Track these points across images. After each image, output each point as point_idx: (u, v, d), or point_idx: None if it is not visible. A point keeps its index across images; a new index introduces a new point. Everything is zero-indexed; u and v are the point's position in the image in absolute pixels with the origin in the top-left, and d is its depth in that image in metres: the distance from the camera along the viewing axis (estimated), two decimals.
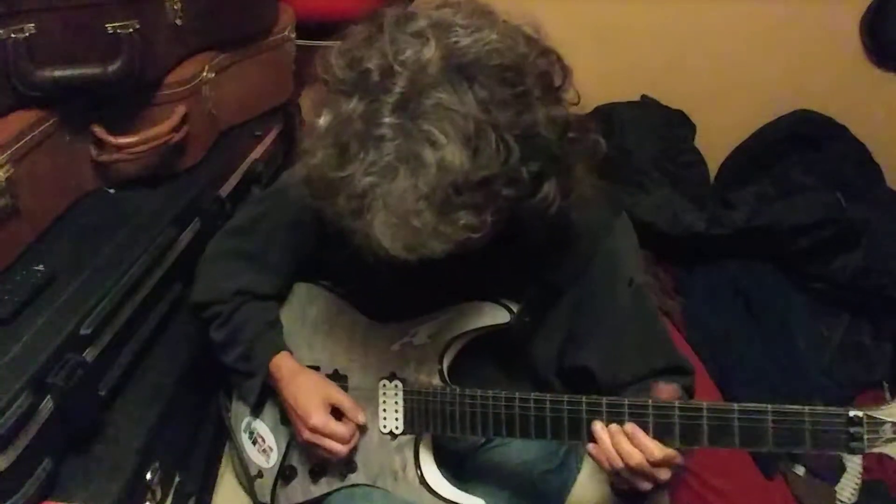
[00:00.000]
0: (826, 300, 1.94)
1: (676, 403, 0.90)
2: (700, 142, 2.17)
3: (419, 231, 0.77)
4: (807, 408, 0.85)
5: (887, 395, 1.88)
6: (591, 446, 0.95)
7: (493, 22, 0.81)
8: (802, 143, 2.09)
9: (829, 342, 1.88)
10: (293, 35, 1.74)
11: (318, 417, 1.08)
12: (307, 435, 1.10)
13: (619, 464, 0.91)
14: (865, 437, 0.83)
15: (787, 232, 1.89)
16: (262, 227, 1.17)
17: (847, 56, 2.11)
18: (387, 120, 0.76)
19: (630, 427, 0.91)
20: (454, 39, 0.77)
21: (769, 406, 0.86)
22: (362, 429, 1.12)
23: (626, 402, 0.92)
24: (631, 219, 1.08)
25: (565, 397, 0.96)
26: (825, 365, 1.83)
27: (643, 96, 2.18)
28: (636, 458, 0.90)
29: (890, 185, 2.11)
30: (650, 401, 0.91)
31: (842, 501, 1.66)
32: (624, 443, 0.91)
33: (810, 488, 1.64)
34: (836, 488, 1.67)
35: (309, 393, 1.10)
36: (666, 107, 2.16)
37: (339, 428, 1.09)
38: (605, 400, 0.94)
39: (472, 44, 0.77)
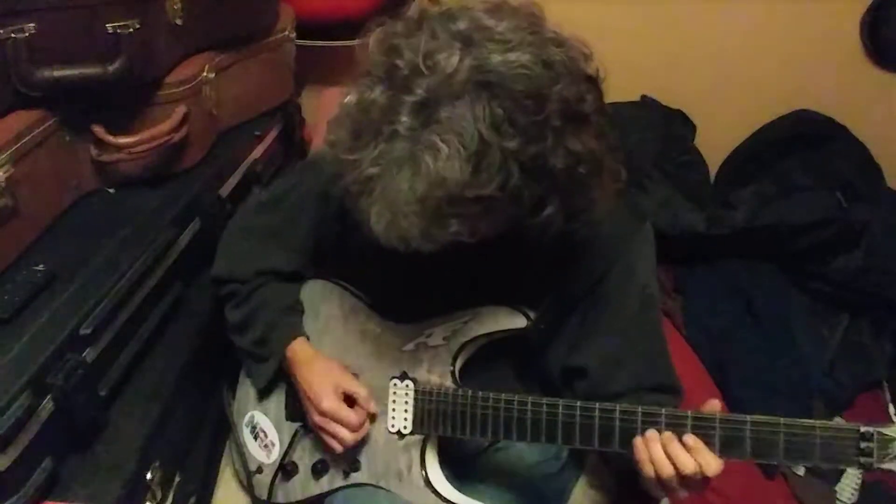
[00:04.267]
0: (826, 300, 1.94)
1: (689, 413, 0.91)
2: (700, 142, 2.17)
3: (407, 230, 0.79)
4: (818, 423, 0.86)
5: (887, 394, 1.88)
6: (639, 444, 0.93)
7: (535, 41, 0.79)
8: (802, 143, 2.09)
9: (829, 342, 1.88)
10: (293, 35, 1.74)
11: (330, 402, 1.08)
12: (317, 419, 1.10)
13: (670, 471, 0.90)
14: (875, 452, 0.84)
15: (787, 232, 1.89)
16: (293, 198, 1.17)
17: (847, 56, 2.11)
18: (403, 119, 0.76)
19: (691, 439, 0.90)
20: (486, 53, 0.77)
21: (782, 420, 0.87)
22: (372, 422, 1.12)
23: (640, 410, 0.93)
24: None
25: (578, 403, 0.96)
26: (825, 365, 1.83)
27: (643, 96, 2.18)
28: (690, 467, 0.89)
29: (890, 185, 2.11)
30: (663, 409, 0.92)
31: (842, 501, 1.66)
32: (680, 451, 0.90)
33: (810, 488, 1.64)
34: (836, 488, 1.67)
35: (323, 378, 1.10)
36: (666, 107, 2.16)
37: (350, 414, 1.08)
38: (618, 408, 0.94)
39: (502, 63, 0.76)
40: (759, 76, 2.14)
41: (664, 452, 0.90)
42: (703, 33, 2.11)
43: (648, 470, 0.92)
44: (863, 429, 0.85)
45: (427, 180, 0.76)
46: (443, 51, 0.77)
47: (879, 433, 0.85)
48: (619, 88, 2.12)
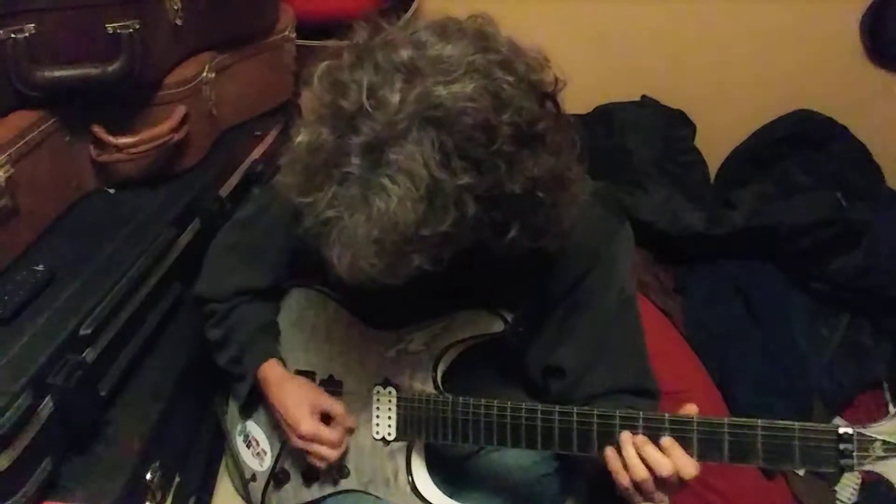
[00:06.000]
0: (826, 300, 1.93)
1: (667, 416, 0.90)
2: (700, 142, 2.16)
3: (369, 270, 0.78)
4: (797, 424, 0.84)
5: (887, 395, 1.87)
6: (611, 453, 0.92)
7: (482, 65, 0.77)
8: (802, 143, 2.09)
9: (829, 342, 1.88)
10: (293, 35, 1.74)
11: (308, 425, 1.08)
12: (298, 442, 1.10)
13: (644, 474, 0.89)
14: (855, 454, 0.82)
15: (787, 232, 1.89)
16: (267, 215, 1.17)
17: (847, 56, 2.11)
18: (353, 161, 0.76)
19: (668, 440, 0.89)
20: (430, 86, 0.75)
21: (759, 421, 0.85)
22: (354, 434, 1.12)
23: (618, 414, 0.92)
24: (631, 219, 1.08)
25: (556, 408, 0.95)
26: (825, 365, 1.83)
27: (643, 96, 2.18)
28: (667, 470, 0.88)
29: (890, 185, 2.11)
30: (640, 412, 0.91)
31: (842, 501, 1.66)
32: (656, 453, 0.89)
33: (810, 488, 1.64)
34: (836, 488, 1.67)
35: (298, 400, 1.11)
36: (666, 107, 2.16)
37: (330, 433, 1.09)
38: (596, 412, 0.93)
39: (447, 97, 0.75)
40: (759, 76, 2.14)
41: (639, 456, 0.89)
42: (703, 33, 2.11)
43: (623, 479, 0.91)
44: (842, 430, 0.82)
45: (381, 224, 0.75)
46: (386, 86, 0.75)
47: (860, 434, 0.82)
48: (619, 88, 2.14)
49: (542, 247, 0.90)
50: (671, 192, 1.96)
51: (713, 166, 2.20)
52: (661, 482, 0.89)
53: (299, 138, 0.80)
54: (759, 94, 2.15)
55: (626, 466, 0.90)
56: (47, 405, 0.98)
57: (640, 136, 2.07)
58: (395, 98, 0.75)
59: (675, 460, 0.88)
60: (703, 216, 1.92)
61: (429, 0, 2.05)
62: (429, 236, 0.77)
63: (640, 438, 0.90)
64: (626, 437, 0.91)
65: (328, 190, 0.77)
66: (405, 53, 0.77)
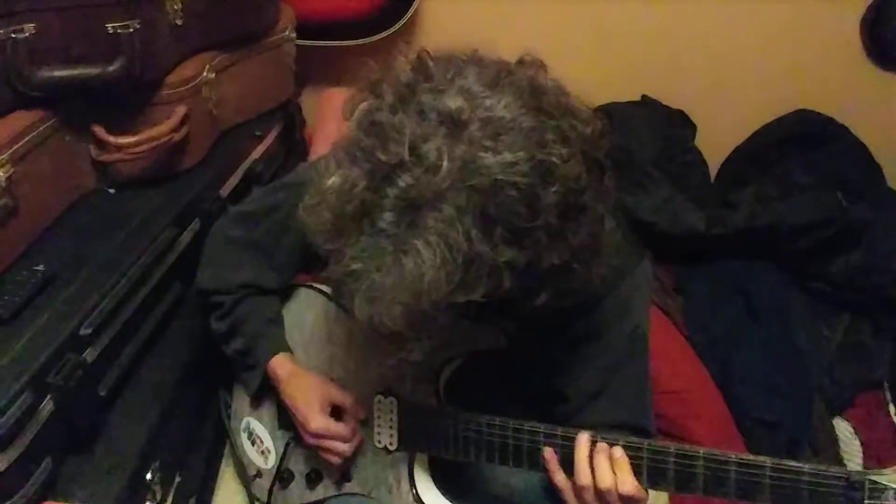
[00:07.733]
0: (826, 300, 1.93)
1: (672, 448, 0.88)
2: (700, 142, 2.16)
3: (391, 326, 0.75)
4: (806, 466, 0.82)
5: (887, 394, 1.87)
6: (548, 452, 0.92)
7: (532, 128, 0.73)
8: (802, 143, 2.09)
9: (829, 342, 1.88)
10: (293, 35, 1.74)
11: (318, 421, 1.08)
12: (310, 440, 1.09)
13: (587, 480, 0.88)
14: (866, 502, 0.80)
15: (788, 232, 1.89)
16: (274, 217, 1.15)
17: (847, 56, 2.10)
18: (387, 216, 0.72)
19: (619, 451, 0.88)
20: (477, 150, 0.70)
21: (768, 460, 0.83)
22: (362, 430, 1.11)
23: (621, 442, 0.90)
24: (631, 219, 1.07)
25: (559, 430, 0.94)
26: (825, 365, 1.83)
27: (643, 96, 2.18)
28: (607, 482, 0.87)
29: (890, 185, 2.11)
30: (646, 442, 0.89)
31: None
32: (604, 462, 0.88)
33: None
34: None
35: (307, 396, 1.10)
36: (666, 107, 2.16)
37: (340, 428, 1.08)
38: (599, 437, 0.91)
39: (494, 166, 0.70)
40: (759, 76, 2.14)
41: (588, 461, 0.89)
42: (703, 33, 2.11)
43: (560, 480, 0.91)
44: (854, 478, 0.80)
45: (411, 289, 0.72)
46: (429, 140, 0.71)
47: (871, 482, 0.79)
48: (619, 88, 2.14)
49: (565, 304, 0.86)
50: (671, 192, 1.96)
51: (713, 166, 2.20)
52: (599, 494, 0.88)
53: (330, 181, 0.75)
54: (759, 94, 2.15)
55: (573, 466, 0.90)
56: (47, 405, 0.98)
57: (640, 136, 2.07)
58: (440, 158, 0.70)
59: (619, 474, 0.88)
60: (704, 216, 1.92)
61: (429, 1, 2.05)
62: (458, 303, 0.74)
63: (601, 446, 0.89)
64: (582, 439, 0.90)
65: (357, 241, 0.73)
66: (452, 103, 0.72)
